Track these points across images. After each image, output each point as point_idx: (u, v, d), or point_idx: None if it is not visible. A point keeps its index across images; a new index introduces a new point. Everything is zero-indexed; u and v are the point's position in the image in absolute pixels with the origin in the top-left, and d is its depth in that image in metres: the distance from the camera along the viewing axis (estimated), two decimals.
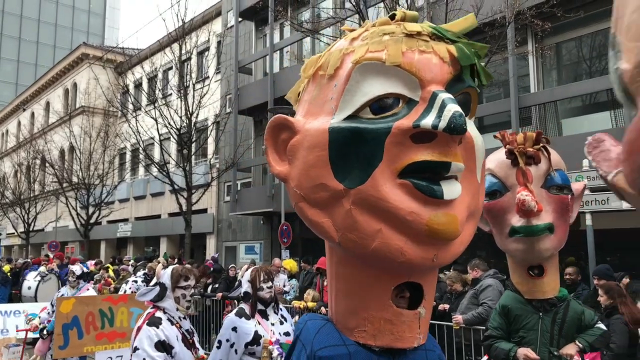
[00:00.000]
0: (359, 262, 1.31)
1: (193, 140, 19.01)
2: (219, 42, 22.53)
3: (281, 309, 3.76)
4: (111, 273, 14.54)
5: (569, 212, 3.17)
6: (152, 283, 3.49)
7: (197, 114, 18.86)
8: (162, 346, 3.17)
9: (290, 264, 11.82)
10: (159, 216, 27.03)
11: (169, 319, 3.30)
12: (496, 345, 3.64)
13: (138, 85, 24.05)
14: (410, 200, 1.19)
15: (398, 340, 1.32)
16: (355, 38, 1.34)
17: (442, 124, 1.13)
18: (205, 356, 3.30)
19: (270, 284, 3.61)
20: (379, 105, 1.23)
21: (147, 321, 3.28)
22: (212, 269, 12.97)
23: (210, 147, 21.91)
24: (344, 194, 1.23)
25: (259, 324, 3.52)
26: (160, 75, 21.89)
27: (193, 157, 19.42)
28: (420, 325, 1.35)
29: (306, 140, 1.31)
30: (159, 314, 3.33)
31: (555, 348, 3.51)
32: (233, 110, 20.58)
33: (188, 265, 3.67)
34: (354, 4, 12.00)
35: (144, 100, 22.45)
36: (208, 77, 20.40)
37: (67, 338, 4.29)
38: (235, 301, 9.84)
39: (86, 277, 6.32)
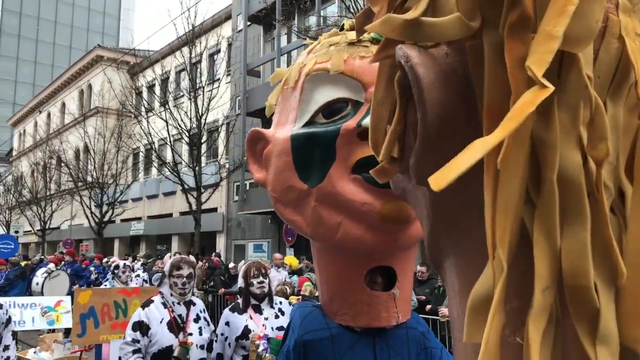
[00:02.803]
0: (332, 252, 1.43)
1: (203, 141, 19.29)
2: (228, 45, 22.88)
3: (281, 303, 3.82)
4: None
5: None
6: None
7: (207, 116, 19.10)
8: (139, 326, 3.45)
9: (291, 260, 12.10)
10: (170, 215, 27.27)
11: (163, 303, 3.59)
12: None
13: (150, 87, 24.44)
14: (362, 193, 1.30)
15: (375, 319, 1.41)
16: (310, 51, 1.48)
17: None
18: (190, 342, 3.50)
19: (261, 279, 3.69)
20: (329, 110, 1.36)
21: (142, 303, 3.71)
22: (218, 266, 13.35)
23: (220, 148, 22.21)
24: (309, 193, 1.36)
25: (251, 318, 3.61)
26: (171, 78, 22.23)
27: (203, 157, 19.68)
28: (397, 305, 1.44)
29: (275, 148, 1.44)
30: (155, 297, 3.66)
31: None
32: (242, 112, 20.85)
33: (191, 257, 4.00)
34: (358, 10, 12.33)
35: (156, 102, 22.81)
36: (218, 79, 20.73)
37: (84, 327, 4.62)
38: (238, 296, 10.24)
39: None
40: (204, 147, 19.32)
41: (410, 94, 0.45)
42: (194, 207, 18.67)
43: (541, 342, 0.37)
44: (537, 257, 0.38)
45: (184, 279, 3.63)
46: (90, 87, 34.17)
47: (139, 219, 29.73)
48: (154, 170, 29.28)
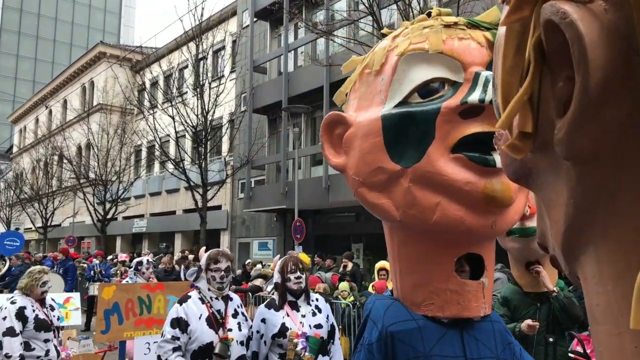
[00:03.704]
0: (420, 238, 1.40)
1: (209, 138, 19.22)
2: (234, 42, 22.79)
3: (317, 299, 3.69)
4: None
5: None
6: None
7: (213, 112, 19.09)
8: (178, 323, 3.31)
9: (303, 257, 12.04)
10: (173, 212, 27.22)
11: (200, 298, 3.45)
12: None
13: (154, 84, 24.40)
14: (465, 172, 1.28)
15: (465, 309, 1.39)
16: (397, 36, 1.46)
17: (489, 96, 1.23)
18: (231, 337, 3.37)
19: (298, 274, 3.54)
20: (426, 90, 1.34)
21: (179, 298, 3.57)
22: None
23: (225, 145, 22.17)
24: (401, 174, 1.33)
25: (288, 315, 3.48)
26: (176, 74, 22.17)
27: (208, 154, 19.67)
28: (485, 295, 1.42)
29: (360, 130, 1.42)
30: (192, 292, 3.51)
31: (551, 335, 3.78)
32: (248, 108, 20.80)
33: (226, 249, 3.86)
34: (367, 5, 12.23)
35: (160, 98, 22.75)
36: (224, 75, 20.66)
37: (108, 323, 4.49)
38: (250, 294, 10.15)
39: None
40: (209, 144, 19.19)
41: (555, 59, 0.41)
42: (199, 204, 18.58)
43: None
44: None
45: (222, 272, 3.49)
46: (93, 83, 34.09)
47: (142, 216, 29.70)
48: (156, 168, 29.26)
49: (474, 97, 1.27)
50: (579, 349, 4.32)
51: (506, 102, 0.47)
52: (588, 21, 0.38)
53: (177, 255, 17.46)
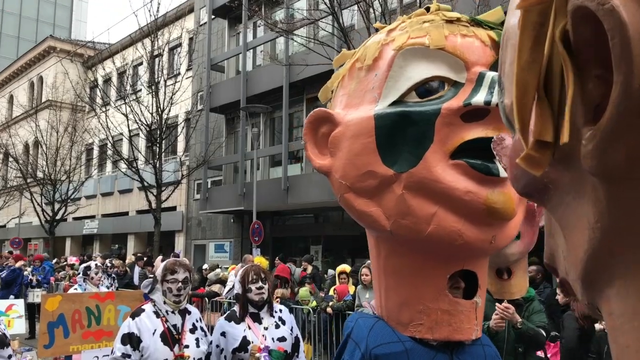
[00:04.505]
0: (411, 252, 1.28)
1: (164, 137, 18.84)
2: (191, 39, 22.37)
3: (280, 310, 3.50)
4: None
5: (535, 218, 3.33)
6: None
7: (169, 111, 18.72)
8: (129, 339, 3.09)
9: (260, 260, 11.81)
10: (126, 213, 26.62)
11: (155, 312, 3.22)
12: None
13: (107, 80, 23.71)
14: (465, 180, 1.17)
15: (456, 331, 1.27)
16: (393, 29, 1.34)
17: (495, 99, 1.12)
18: (187, 355, 3.14)
19: (260, 284, 3.34)
20: (425, 88, 1.23)
21: (132, 312, 3.30)
22: None
23: (181, 145, 21.75)
24: (395, 179, 1.21)
25: (249, 328, 3.29)
26: (130, 71, 21.61)
27: (163, 154, 19.27)
28: (477, 316, 1.31)
29: (349, 130, 1.29)
30: (146, 305, 3.28)
31: (520, 345, 3.71)
32: (205, 107, 20.45)
33: (184, 259, 3.60)
34: (328, 5, 12.11)
35: (113, 96, 22.13)
36: (180, 73, 20.25)
37: (52, 337, 4.18)
38: (206, 299, 9.86)
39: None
40: (164, 143, 18.77)
41: (584, 54, 0.36)
42: (153, 205, 18.15)
43: None
44: None
45: (180, 283, 3.24)
46: (41, 79, 32.89)
47: (93, 217, 28.94)
48: (109, 167, 28.54)
49: (479, 98, 1.17)
50: (540, 354, 4.30)
51: (522, 103, 0.40)
52: (632, 8, 0.33)
53: (130, 257, 16.98)
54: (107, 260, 14.85)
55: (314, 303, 8.64)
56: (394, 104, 1.25)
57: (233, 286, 10.28)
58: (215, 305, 9.85)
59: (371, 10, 11.54)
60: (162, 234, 19.17)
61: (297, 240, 19.64)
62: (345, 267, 9.67)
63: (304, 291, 8.64)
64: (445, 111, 1.18)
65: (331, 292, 8.82)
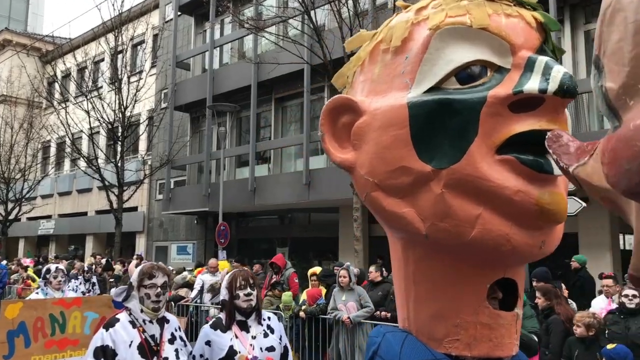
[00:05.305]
0: (447, 257, 1.16)
1: (126, 135, 18.34)
2: (155, 36, 21.87)
3: (269, 318, 3.34)
4: (31, 273, 13.66)
5: None
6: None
7: (132, 108, 18.25)
8: (103, 352, 2.86)
9: (225, 265, 11.52)
10: (85, 213, 25.93)
11: (131, 322, 2.98)
12: None
13: (67, 76, 22.98)
14: (515, 178, 1.05)
15: (497, 347, 1.17)
16: (424, 7, 1.21)
17: (552, 86, 1.03)
18: None
19: (248, 290, 3.18)
20: (467, 73, 1.10)
21: (105, 322, 3.02)
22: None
23: (143, 143, 21.24)
24: (433, 176, 1.09)
25: (236, 337, 3.14)
26: (92, 67, 21.00)
27: (125, 152, 18.77)
28: (517, 329, 1.21)
29: (377, 120, 1.17)
30: (121, 315, 3.03)
31: None
32: (169, 105, 20.00)
33: (161, 263, 3.34)
34: (301, 2, 11.95)
35: (72, 91, 21.42)
36: (144, 70, 19.74)
37: (12, 346, 3.82)
38: (172, 303, 9.52)
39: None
40: (127, 142, 18.28)
41: None
42: (114, 205, 17.64)
43: None
44: None
45: (159, 289, 3.00)
46: None
47: (49, 217, 28.06)
48: (67, 165, 27.72)
49: (532, 85, 1.04)
50: None
51: (634, 84, 0.38)
52: None
53: (89, 259, 16.41)
54: (93, 262, 14.23)
55: (293, 307, 8.41)
56: (430, 90, 1.11)
57: (200, 290, 10.07)
58: (181, 309, 9.52)
59: (345, 7, 11.45)
60: (122, 235, 18.68)
61: (263, 242, 19.39)
62: (317, 269, 9.48)
63: (287, 296, 8.38)
64: (492, 99, 1.05)
65: (303, 296, 8.61)
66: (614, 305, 6.27)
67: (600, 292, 7.53)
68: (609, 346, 5.15)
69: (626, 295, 5.73)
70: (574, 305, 6.93)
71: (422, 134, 1.09)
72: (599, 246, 11.01)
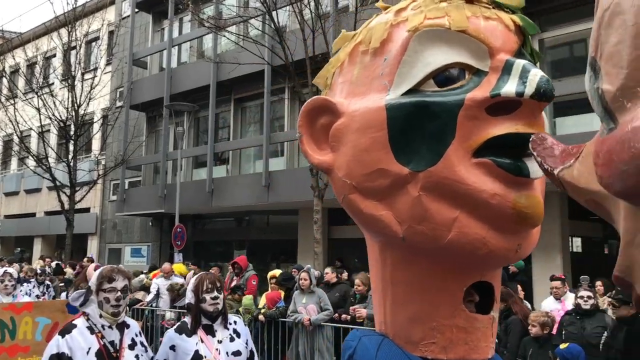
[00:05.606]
0: (424, 261, 1.16)
1: (79, 134, 17.82)
2: (111, 32, 21.35)
3: (235, 322, 3.30)
4: None
5: None
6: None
7: (87, 106, 17.76)
8: (58, 359, 2.75)
9: (179, 268, 11.29)
10: (33, 214, 25.10)
11: (89, 327, 2.87)
12: None
13: (15, 71, 22.17)
14: (491, 181, 1.06)
15: (473, 350, 1.18)
16: (403, 9, 1.21)
17: (529, 89, 1.03)
18: None
19: (215, 293, 3.13)
20: (445, 76, 1.11)
21: (61, 329, 2.87)
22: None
23: (97, 142, 20.68)
24: (410, 179, 1.09)
25: (202, 341, 3.09)
26: (43, 62, 20.30)
27: (78, 151, 18.23)
28: (493, 332, 1.22)
29: (355, 122, 1.17)
30: (78, 321, 2.91)
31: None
32: (125, 104, 19.54)
33: (121, 266, 3.22)
34: (263, 2, 11.87)
35: (22, 87, 20.67)
36: (98, 67, 19.22)
37: None
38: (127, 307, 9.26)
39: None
40: (80, 141, 17.74)
41: None
42: (66, 206, 17.09)
43: None
44: None
45: (118, 292, 2.90)
46: None
47: None
48: (14, 164, 26.68)
49: (509, 88, 1.04)
50: None
51: (633, 87, 0.38)
52: None
53: (37, 262, 15.82)
54: (43, 265, 13.66)
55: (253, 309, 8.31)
56: (408, 92, 1.11)
57: (157, 294, 9.83)
58: (137, 313, 9.27)
59: (307, 8, 11.45)
60: (73, 237, 18.13)
61: (220, 244, 19.14)
62: (276, 272, 9.40)
63: (248, 299, 8.27)
64: (470, 102, 1.05)
65: (262, 299, 8.53)
66: (568, 307, 6.45)
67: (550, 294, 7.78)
68: (562, 345, 5.30)
69: (581, 297, 5.90)
70: (528, 304, 7.09)
71: (399, 136, 1.09)
72: (549, 249, 11.33)
